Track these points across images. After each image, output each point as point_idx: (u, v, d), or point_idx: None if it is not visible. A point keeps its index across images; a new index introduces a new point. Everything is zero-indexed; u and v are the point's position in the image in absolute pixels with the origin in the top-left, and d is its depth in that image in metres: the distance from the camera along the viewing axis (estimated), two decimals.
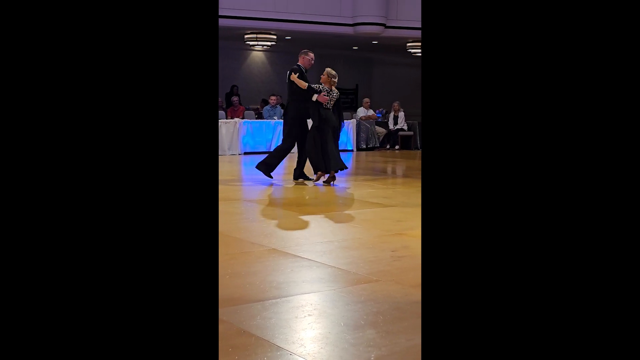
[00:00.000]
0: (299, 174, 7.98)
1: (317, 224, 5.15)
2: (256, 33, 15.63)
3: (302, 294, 3.18)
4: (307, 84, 7.61)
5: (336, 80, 7.81)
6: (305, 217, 5.39)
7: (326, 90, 7.61)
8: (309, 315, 2.84)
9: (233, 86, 15.45)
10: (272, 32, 15.44)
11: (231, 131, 11.99)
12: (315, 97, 7.53)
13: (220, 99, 14.89)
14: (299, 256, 3.94)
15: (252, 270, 3.61)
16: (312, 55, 7.99)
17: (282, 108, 13.40)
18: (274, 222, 5.18)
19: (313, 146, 7.58)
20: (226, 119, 12.49)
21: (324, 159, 7.57)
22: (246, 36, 15.82)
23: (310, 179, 7.88)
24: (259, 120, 12.95)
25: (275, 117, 12.87)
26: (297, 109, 7.75)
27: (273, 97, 13.38)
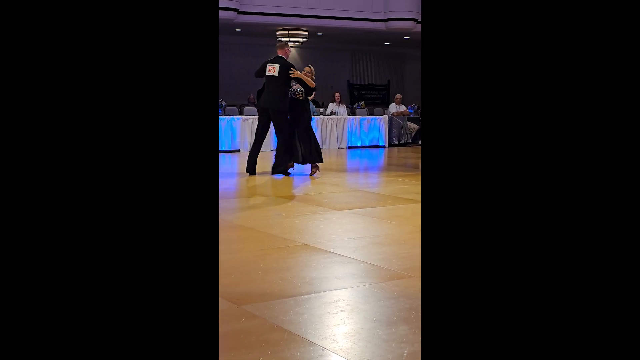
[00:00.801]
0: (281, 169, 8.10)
1: (349, 219, 5.14)
2: (288, 29, 15.66)
3: (335, 289, 3.18)
4: (315, 83, 8.00)
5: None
6: (337, 213, 5.39)
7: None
8: (342, 311, 2.85)
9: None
10: (304, 29, 15.45)
11: None
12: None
13: (251, 95, 14.96)
14: (331, 252, 3.94)
15: (285, 265, 3.63)
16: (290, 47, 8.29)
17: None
18: (306, 217, 5.19)
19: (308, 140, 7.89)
20: (258, 115, 12.54)
21: (293, 151, 7.90)
22: (278, 32, 15.86)
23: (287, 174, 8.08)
24: None
25: None
26: (284, 103, 7.93)
27: None
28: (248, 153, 8.33)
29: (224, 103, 12.90)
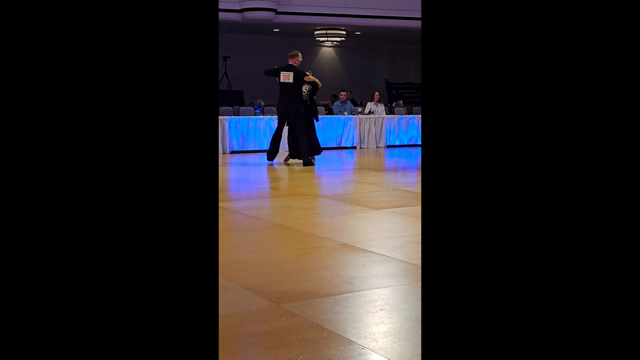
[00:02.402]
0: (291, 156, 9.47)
1: (388, 218, 5.13)
2: (326, 29, 15.68)
3: (374, 288, 3.18)
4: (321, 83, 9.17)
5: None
6: (376, 212, 5.38)
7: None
8: (381, 309, 2.84)
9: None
10: (342, 28, 15.45)
11: None
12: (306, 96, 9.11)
13: None
14: (370, 251, 3.94)
15: (324, 264, 3.63)
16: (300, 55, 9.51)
17: (352, 104, 13.40)
18: (345, 217, 5.19)
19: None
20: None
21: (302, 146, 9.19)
22: (316, 32, 15.89)
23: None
24: (329, 115, 12.98)
25: (346, 113, 12.88)
26: (302, 107, 9.19)
27: (343, 93, 13.40)
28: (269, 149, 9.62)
29: (262, 103, 12.97)
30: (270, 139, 11.46)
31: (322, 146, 12.25)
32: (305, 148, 9.19)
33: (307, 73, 9.19)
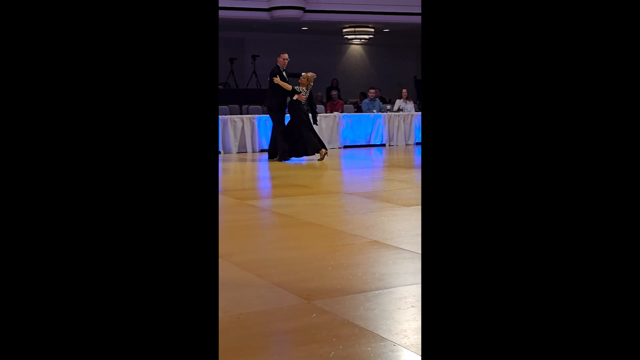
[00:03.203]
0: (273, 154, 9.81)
1: (418, 215, 5.09)
2: (354, 27, 15.65)
3: (405, 285, 3.17)
4: (290, 85, 9.60)
5: (312, 83, 9.86)
6: (406, 209, 5.36)
7: (304, 91, 9.64)
8: (412, 306, 2.83)
9: (332, 80, 15.53)
10: (370, 25, 15.41)
11: (331, 125, 12.06)
12: (295, 96, 9.59)
13: (320, 93, 15.01)
14: (400, 248, 3.93)
15: (354, 262, 3.63)
16: (285, 55, 9.94)
17: (380, 101, 13.37)
18: (375, 214, 5.18)
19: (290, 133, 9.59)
20: (326, 112, 12.58)
21: (301, 143, 9.56)
22: (344, 30, 15.86)
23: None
24: (358, 113, 12.96)
25: (375, 110, 12.85)
26: (278, 102, 9.70)
27: (372, 90, 13.36)
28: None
29: None
30: (260, 138, 11.97)
31: (351, 144, 12.31)
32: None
33: (274, 76, 9.72)
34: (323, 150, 9.62)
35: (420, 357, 2.29)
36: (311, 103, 10.09)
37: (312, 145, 9.61)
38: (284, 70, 9.81)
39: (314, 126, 9.98)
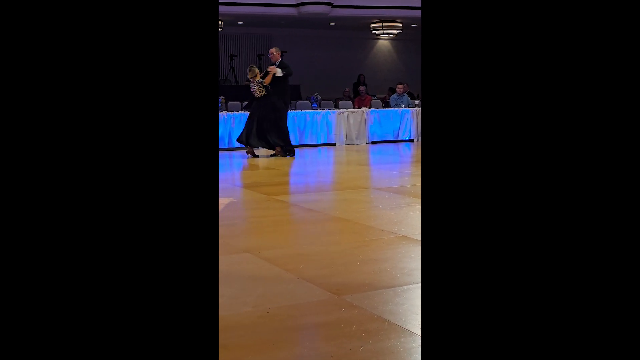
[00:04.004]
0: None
1: None
2: (382, 22, 15.59)
3: None
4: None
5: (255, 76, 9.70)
6: None
7: (256, 86, 9.60)
8: None
9: (360, 75, 15.51)
10: (398, 20, 15.34)
11: (358, 120, 12.05)
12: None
13: (347, 89, 15.00)
14: None
15: (383, 257, 3.63)
16: (272, 49, 9.88)
17: (409, 96, 13.31)
18: (403, 209, 5.16)
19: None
20: (353, 108, 12.57)
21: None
22: (372, 25, 15.81)
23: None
24: (386, 109, 12.92)
25: (403, 106, 12.80)
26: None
27: (400, 86, 13.31)
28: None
29: (319, 97, 13.01)
30: (327, 133, 11.56)
31: (379, 139, 12.28)
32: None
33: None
34: (278, 148, 9.61)
35: None
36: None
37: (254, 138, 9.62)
38: (275, 63, 9.67)
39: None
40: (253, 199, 5.80)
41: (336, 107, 12.80)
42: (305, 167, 9.14)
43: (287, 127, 9.68)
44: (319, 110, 12.12)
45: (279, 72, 9.46)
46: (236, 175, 7.90)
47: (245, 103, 10.73)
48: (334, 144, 11.72)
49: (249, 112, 9.90)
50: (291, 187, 7.27)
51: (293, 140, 11.45)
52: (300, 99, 13.87)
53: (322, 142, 11.68)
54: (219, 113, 10.37)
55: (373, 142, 12.16)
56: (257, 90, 9.55)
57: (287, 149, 9.58)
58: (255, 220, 4.95)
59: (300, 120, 11.61)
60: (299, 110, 11.94)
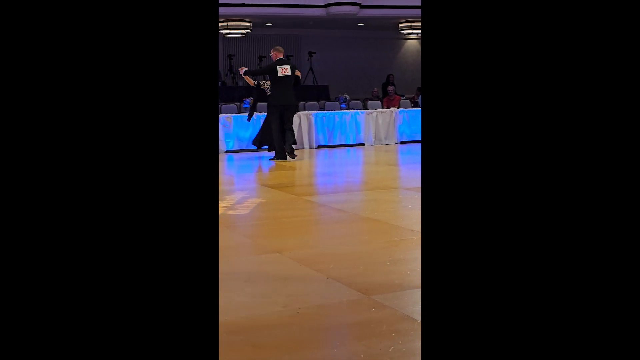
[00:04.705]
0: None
1: None
2: (410, 21, 15.53)
3: None
4: (254, 81, 9.78)
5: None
6: None
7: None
8: None
9: (389, 75, 15.47)
10: None
11: (387, 121, 12.02)
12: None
13: (376, 89, 14.98)
14: None
15: (412, 257, 3.62)
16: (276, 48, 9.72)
17: None
18: None
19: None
20: (382, 108, 12.54)
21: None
22: (400, 25, 15.75)
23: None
24: (415, 108, 12.88)
25: None
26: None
27: None
28: (280, 143, 9.46)
29: (347, 97, 13.01)
30: (356, 133, 11.49)
31: (408, 139, 12.23)
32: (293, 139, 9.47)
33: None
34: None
35: None
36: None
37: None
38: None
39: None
40: (282, 200, 5.82)
41: (365, 107, 12.79)
42: (334, 167, 9.14)
43: (276, 130, 9.29)
44: (347, 110, 12.13)
45: (242, 72, 9.55)
46: (265, 176, 7.94)
47: None
48: (363, 145, 11.71)
49: None
50: (320, 187, 7.28)
51: (322, 141, 11.47)
52: (329, 99, 13.89)
53: (350, 143, 11.68)
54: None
55: (402, 142, 12.12)
56: (267, 90, 9.70)
57: (276, 153, 9.37)
58: (285, 220, 4.97)
59: (329, 121, 11.62)
60: (328, 111, 11.95)
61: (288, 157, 9.28)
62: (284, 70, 9.16)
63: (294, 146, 9.53)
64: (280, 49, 9.52)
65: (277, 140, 9.24)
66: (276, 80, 9.17)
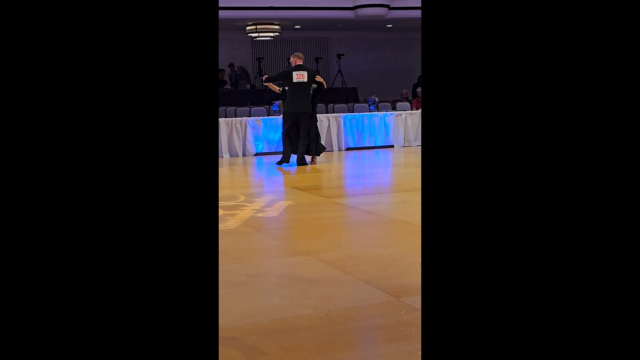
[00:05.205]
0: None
1: None
2: None
3: None
4: (279, 88, 9.37)
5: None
6: None
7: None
8: None
9: (419, 77, 15.41)
10: None
11: (416, 122, 11.97)
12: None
13: (405, 90, 14.93)
14: None
15: None
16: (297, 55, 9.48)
17: None
18: None
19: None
20: (411, 110, 12.50)
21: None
22: None
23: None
24: None
25: None
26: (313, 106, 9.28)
27: None
28: (288, 150, 9.15)
29: (376, 99, 12.99)
30: (384, 135, 11.42)
31: None
32: (312, 145, 9.18)
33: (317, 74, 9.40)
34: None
35: None
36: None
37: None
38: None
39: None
40: (312, 202, 5.83)
41: (394, 109, 12.75)
42: (363, 169, 9.13)
43: (284, 134, 9.08)
44: (376, 112, 12.10)
45: (264, 80, 9.48)
46: (294, 178, 7.96)
47: None
48: (392, 146, 11.68)
49: None
50: (349, 189, 7.28)
51: (351, 143, 11.47)
52: (358, 101, 13.89)
53: (380, 145, 11.66)
54: (279, 117, 10.38)
55: None
56: None
57: (281, 158, 9.13)
58: (314, 222, 4.98)
59: (358, 123, 11.61)
60: (357, 113, 11.94)
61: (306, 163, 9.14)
62: (299, 76, 8.94)
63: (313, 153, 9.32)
64: (300, 55, 9.38)
65: (284, 143, 9.14)
66: (291, 86, 8.95)
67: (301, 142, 8.98)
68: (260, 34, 15.40)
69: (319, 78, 9.26)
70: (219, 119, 10.33)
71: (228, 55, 15.63)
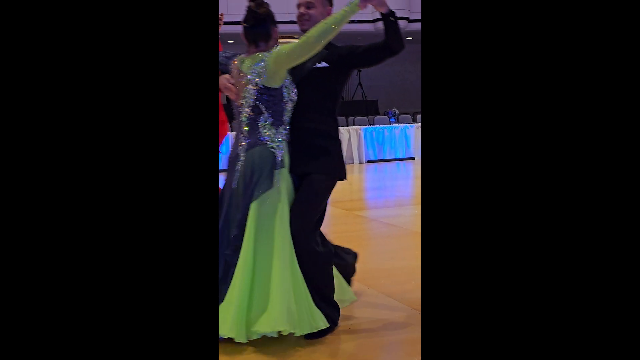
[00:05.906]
0: None
1: None
2: None
3: None
4: None
5: None
6: None
7: None
8: None
9: None
10: None
11: None
12: None
13: None
14: None
15: None
16: None
17: None
18: None
19: None
20: None
21: None
22: None
23: None
24: None
25: None
26: None
27: None
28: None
29: (397, 111, 12.99)
30: (405, 147, 11.40)
31: None
32: None
33: None
34: None
35: None
36: None
37: None
38: None
39: None
40: (333, 215, 5.83)
41: (414, 121, 12.74)
42: (384, 181, 9.12)
43: None
44: (397, 124, 12.10)
45: None
46: None
47: None
48: (413, 158, 11.66)
49: None
50: (370, 202, 7.28)
51: (371, 155, 11.47)
52: (378, 114, 13.89)
53: (400, 157, 11.64)
54: None
55: None
56: None
57: None
58: (336, 235, 4.97)
59: (379, 135, 11.61)
60: (377, 125, 11.94)
61: None
62: None
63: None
64: None
65: None
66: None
67: None
68: None
69: None
70: None
71: None
